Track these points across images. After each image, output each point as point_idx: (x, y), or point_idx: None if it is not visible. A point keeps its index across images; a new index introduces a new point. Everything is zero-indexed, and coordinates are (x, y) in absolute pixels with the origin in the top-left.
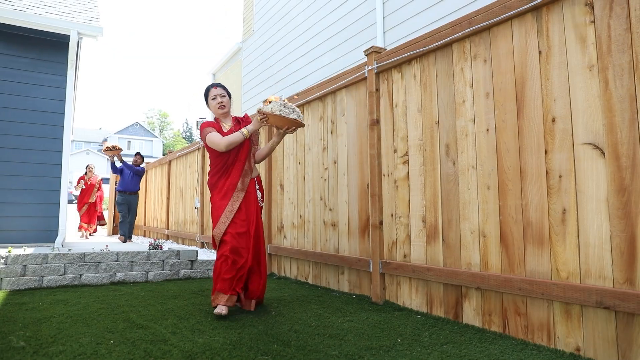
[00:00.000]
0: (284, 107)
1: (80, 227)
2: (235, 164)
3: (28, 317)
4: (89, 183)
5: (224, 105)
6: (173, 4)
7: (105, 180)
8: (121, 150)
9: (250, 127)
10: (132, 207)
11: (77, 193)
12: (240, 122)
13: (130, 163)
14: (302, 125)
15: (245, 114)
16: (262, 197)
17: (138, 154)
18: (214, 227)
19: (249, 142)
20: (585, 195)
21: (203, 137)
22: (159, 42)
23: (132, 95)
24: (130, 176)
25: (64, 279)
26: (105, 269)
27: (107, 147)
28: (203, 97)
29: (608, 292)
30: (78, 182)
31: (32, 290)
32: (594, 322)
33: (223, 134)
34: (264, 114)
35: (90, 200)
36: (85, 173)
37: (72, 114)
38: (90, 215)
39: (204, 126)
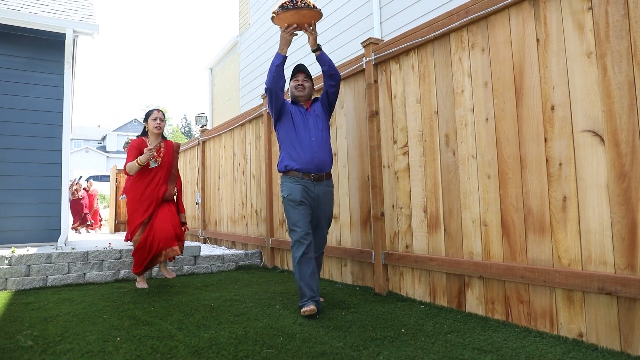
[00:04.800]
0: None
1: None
2: None
3: (34, 316)
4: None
5: None
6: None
7: (105, 178)
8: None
9: None
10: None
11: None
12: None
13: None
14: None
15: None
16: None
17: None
18: None
19: None
20: (585, 182)
21: None
22: (156, 38)
23: (129, 91)
24: (319, 123)
25: (68, 278)
26: (109, 267)
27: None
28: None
29: (609, 278)
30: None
31: (37, 290)
32: (596, 308)
33: None
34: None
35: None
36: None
37: (71, 112)
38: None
39: None
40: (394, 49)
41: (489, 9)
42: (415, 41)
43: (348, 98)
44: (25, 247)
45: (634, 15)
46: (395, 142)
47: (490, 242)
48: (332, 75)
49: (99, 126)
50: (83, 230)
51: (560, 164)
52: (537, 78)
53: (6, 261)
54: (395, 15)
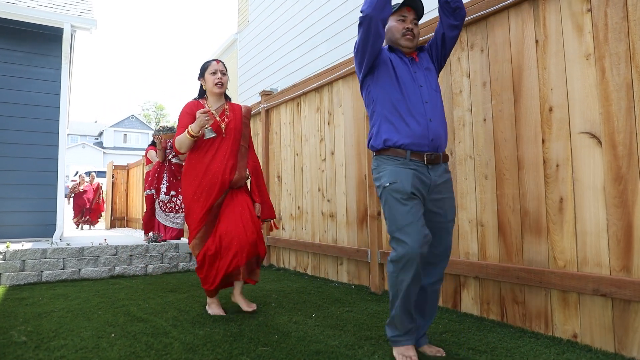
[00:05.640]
0: None
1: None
2: None
3: (28, 312)
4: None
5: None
6: None
7: (101, 174)
8: None
9: None
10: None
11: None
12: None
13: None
14: None
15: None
16: None
17: None
18: None
19: None
20: (582, 184)
21: None
22: (154, 34)
23: (127, 87)
24: (431, 79)
25: (63, 274)
26: (104, 263)
27: None
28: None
29: (605, 280)
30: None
31: (31, 285)
32: (590, 310)
33: None
34: None
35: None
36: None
37: (68, 107)
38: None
39: None
40: None
41: (488, 10)
42: None
43: (346, 97)
44: (20, 242)
45: (633, 17)
46: None
47: (486, 242)
48: (456, 9)
49: (96, 122)
50: (85, 226)
51: (557, 166)
52: (535, 79)
53: (0, 256)
54: None
